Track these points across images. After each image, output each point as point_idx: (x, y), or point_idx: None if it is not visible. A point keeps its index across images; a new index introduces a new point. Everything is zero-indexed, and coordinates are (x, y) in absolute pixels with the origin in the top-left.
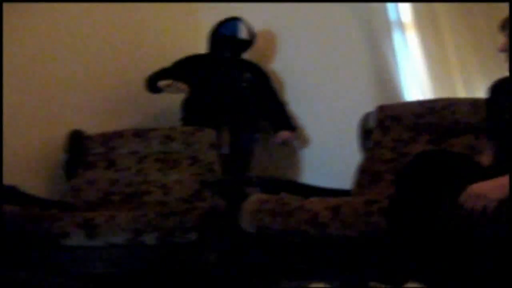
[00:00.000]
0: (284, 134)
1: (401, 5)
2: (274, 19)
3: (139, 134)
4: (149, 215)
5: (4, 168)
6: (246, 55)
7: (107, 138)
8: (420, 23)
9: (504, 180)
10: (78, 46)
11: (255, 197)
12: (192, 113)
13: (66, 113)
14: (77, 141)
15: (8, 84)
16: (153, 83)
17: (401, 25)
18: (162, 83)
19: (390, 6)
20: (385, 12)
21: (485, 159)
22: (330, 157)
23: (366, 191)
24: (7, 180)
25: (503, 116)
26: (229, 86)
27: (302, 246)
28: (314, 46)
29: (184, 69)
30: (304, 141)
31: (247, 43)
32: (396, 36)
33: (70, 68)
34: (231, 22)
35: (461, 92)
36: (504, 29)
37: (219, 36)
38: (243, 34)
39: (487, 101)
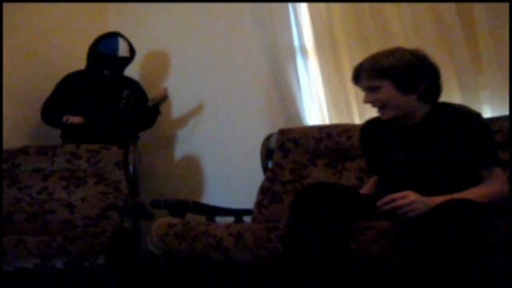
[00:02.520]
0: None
1: (305, 31)
2: (171, 40)
3: (44, 151)
4: (57, 240)
5: None
6: (135, 74)
7: (11, 155)
8: (320, 48)
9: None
10: None
11: (163, 220)
12: (71, 130)
13: None
14: None
15: None
16: (50, 119)
17: (304, 51)
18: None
19: (294, 31)
20: (289, 36)
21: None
22: (233, 177)
23: (266, 211)
24: None
25: (375, 156)
26: (108, 104)
27: (207, 270)
28: (219, 67)
29: (64, 88)
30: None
31: (127, 60)
32: (299, 61)
33: None
34: (111, 39)
35: (357, 118)
36: (359, 81)
37: (99, 54)
38: (123, 51)
39: (360, 143)
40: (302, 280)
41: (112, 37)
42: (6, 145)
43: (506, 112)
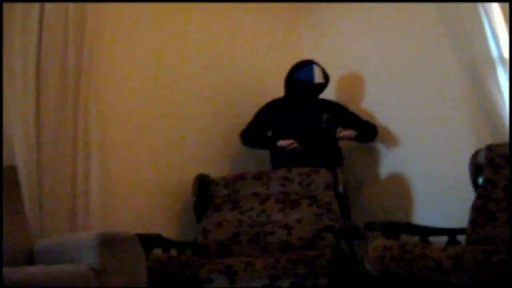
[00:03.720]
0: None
1: (502, 41)
2: (369, 61)
3: (259, 176)
4: (282, 262)
5: (140, 210)
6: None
7: (230, 181)
8: None
9: None
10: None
11: (378, 243)
12: (280, 156)
13: (188, 157)
14: (203, 184)
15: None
16: (253, 142)
17: (503, 61)
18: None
19: (491, 40)
20: (487, 48)
21: None
22: (442, 195)
23: (481, 230)
24: (147, 224)
25: None
26: (310, 126)
27: None
28: (415, 84)
29: (268, 116)
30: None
31: (322, 86)
32: (499, 72)
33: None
34: (306, 67)
35: None
36: None
37: (296, 81)
38: (317, 78)
39: None
40: None
41: (307, 65)
42: (211, 173)
43: None
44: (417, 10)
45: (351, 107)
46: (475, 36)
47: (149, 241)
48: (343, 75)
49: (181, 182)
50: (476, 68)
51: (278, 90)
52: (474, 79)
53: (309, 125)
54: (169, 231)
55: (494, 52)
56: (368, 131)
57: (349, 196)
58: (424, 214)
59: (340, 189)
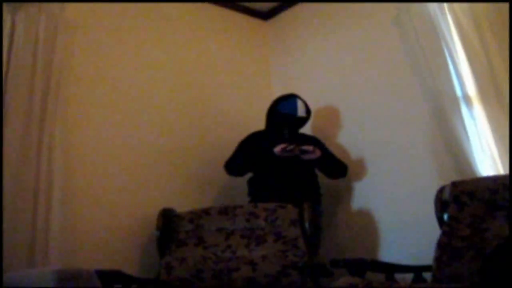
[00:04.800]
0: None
1: (466, 79)
2: (337, 94)
3: (225, 211)
4: None
5: (102, 246)
6: (307, 130)
7: (195, 216)
8: (484, 96)
9: None
10: (171, 126)
11: (344, 280)
12: (258, 189)
13: (153, 192)
14: (167, 219)
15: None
16: (237, 169)
17: (467, 99)
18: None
19: (455, 80)
20: (451, 86)
21: None
22: (408, 231)
23: (447, 268)
24: (108, 260)
25: None
26: (290, 162)
27: None
28: (383, 119)
29: (249, 147)
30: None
31: (304, 120)
32: (464, 111)
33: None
34: (290, 100)
35: None
36: None
37: (279, 114)
38: (300, 111)
39: None
40: None
41: (291, 98)
42: (177, 208)
43: None
44: (383, 39)
45: (328, 139)
46: (439, 73)
47: (108, 277)
48: (317, 108)
49: (145, 216)
50: (440, 105)
51: (248, 123)
52: (440, 117)
53: (290, 159)
54: (131, 267)
55: (458, 90)
56: (338, 168)
57: (321, 232)
58: (391, 251)
59: (306, 225)
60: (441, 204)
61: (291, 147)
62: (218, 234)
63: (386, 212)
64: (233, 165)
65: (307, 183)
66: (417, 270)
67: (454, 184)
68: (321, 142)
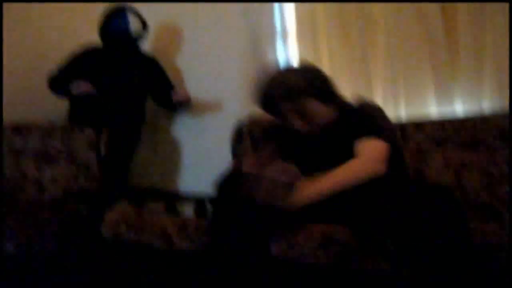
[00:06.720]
0: (182, 91)
1: (287, 14)
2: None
3: (19, 129)
4: (8, 222)
5: None
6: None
7: None
8: (301, 32)
9: None
10: None
11: (118, 208)
12: (78, 111)
13: None
14: None
15: None
16: (58, 86)
17: (284, 34)
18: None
19: (276, 14)
20: (271, 19)
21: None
22: (209, 163)
23: None
24: None
25: None
26: (119, 84)
27: (152, 257)
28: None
29: (80, 65)
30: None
31: (141, 35)
32: (279, 45)
33: None
34: (121, 14)
35: None
36: (276, 109)
37: (110, 31)
38: (134, 25)
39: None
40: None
41: (122, 11)
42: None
43: (476, 107)
44: None
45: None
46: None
47: None
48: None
49: None
50: (260, 37)
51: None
52: (256, 47)
53: (122, 80)
54: None
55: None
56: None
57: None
58: (192, 181)
59: (102, 150)
60: (238, 136)
61: (86, 88)
62: (8, 152)
63: (191, 143)
64: (55, 86)
65: (128, 108)
66: (199, 200)
67: (250, 119)
68: (159, 65)
